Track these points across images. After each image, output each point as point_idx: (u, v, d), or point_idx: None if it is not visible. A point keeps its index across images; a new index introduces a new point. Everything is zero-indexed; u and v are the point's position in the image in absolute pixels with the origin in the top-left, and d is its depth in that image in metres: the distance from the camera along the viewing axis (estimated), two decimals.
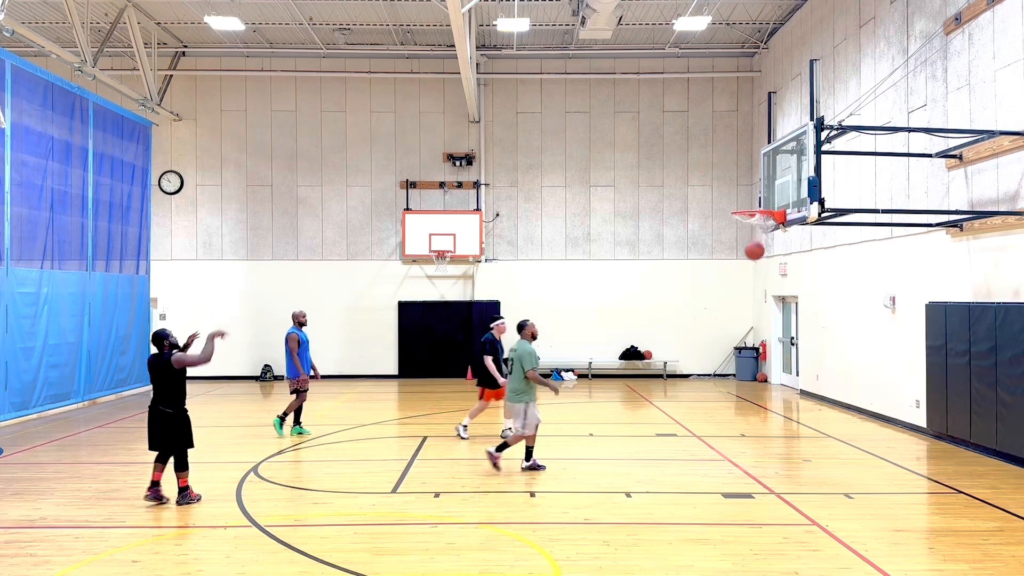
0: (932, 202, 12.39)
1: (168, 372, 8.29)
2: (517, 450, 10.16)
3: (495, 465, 9.85)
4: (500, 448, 9.92)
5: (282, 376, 20.56)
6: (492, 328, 11.88)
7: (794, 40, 18.25)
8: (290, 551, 6.82)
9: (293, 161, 21.05)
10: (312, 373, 12.60)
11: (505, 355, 10.87)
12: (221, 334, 8.46)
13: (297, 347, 12.11)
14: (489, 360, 11.56)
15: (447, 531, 7.40)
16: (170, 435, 8.30)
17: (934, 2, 12.41)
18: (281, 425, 12.26)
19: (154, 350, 8.54)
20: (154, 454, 8.50)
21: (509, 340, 11.50)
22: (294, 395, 12.24)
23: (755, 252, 12.96)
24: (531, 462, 9.88)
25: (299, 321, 12.45)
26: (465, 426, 12.06)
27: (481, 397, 11.94)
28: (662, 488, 9.07)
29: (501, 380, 11.47)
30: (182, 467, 8.36)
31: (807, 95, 12.45)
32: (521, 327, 10.12)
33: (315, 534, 7.33)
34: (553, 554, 6.71)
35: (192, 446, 8.49)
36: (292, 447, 11.47)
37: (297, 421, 12.42)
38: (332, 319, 20.71)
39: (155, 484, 8.38)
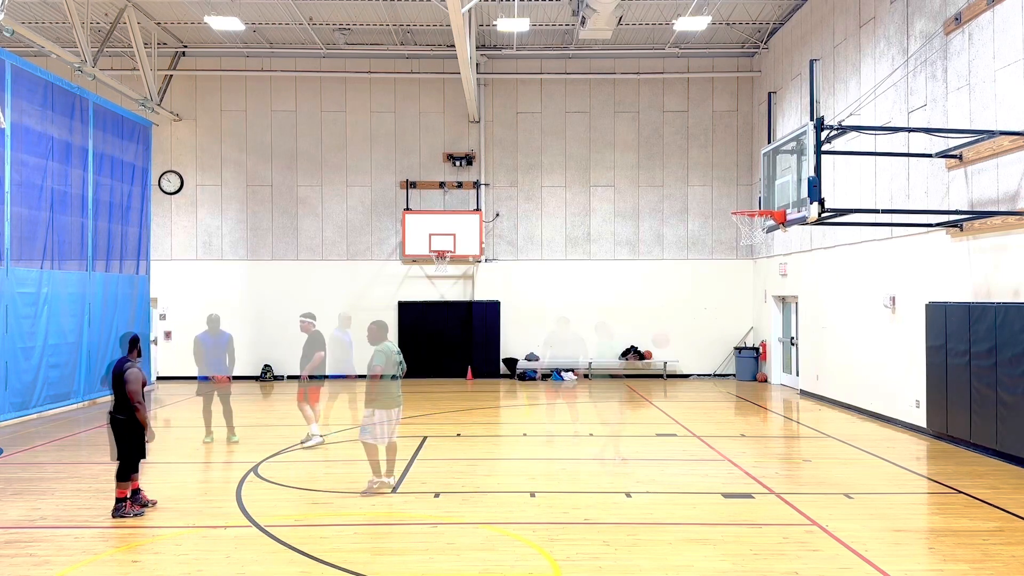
0: (932, 202, 12.38)
1: (122, 381, 7.96)
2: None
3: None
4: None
5: (282, 376, 20.57)
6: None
7: (794, 40, 18.25)
8: (290, 551, 6.82)
9: (293, 161, 21.05)
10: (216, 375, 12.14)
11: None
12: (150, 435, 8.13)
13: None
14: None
15: (447, 531, 7.40)
16: (123, 442, 7.94)
17: (934, 2, 12.40)
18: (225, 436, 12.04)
19: (122, 355, 8.15)
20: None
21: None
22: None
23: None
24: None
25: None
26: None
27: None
28: (662, 488, 9.08)
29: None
30: (124, 476, 7.93)
31: (807, 95, 12.43)
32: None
33: (315, 534, 7.33)
34: (553, 554, 6.71)
35: (143, 456, 8.12)
36: (292, 447, 11.46)
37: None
38: (332, 319, 20.63)
39: (135, 493, 8.08)
